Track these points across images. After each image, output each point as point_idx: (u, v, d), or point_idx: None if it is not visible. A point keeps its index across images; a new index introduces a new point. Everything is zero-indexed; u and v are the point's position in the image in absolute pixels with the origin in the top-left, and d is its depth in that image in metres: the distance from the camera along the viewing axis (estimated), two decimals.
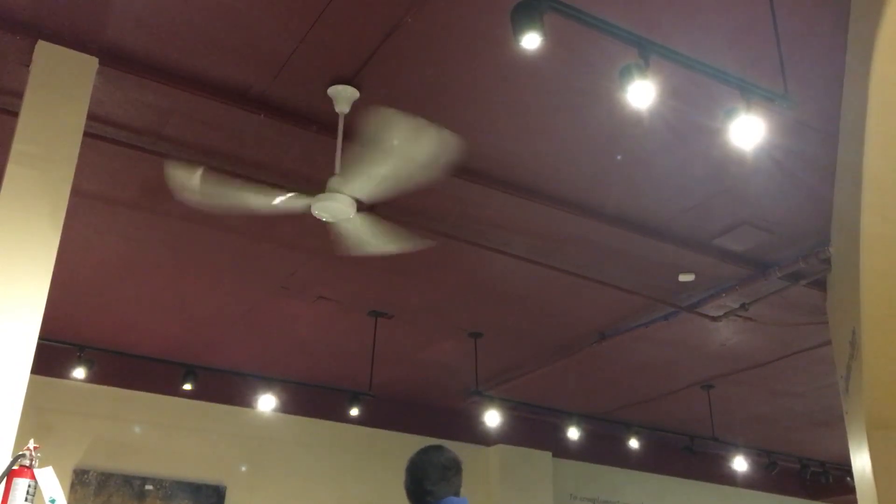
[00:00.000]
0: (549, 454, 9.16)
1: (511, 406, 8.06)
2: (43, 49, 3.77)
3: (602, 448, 9.30)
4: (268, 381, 7.61)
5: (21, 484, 2.26)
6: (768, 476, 9.79)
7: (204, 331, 7.05)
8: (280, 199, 3.98)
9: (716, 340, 6.88)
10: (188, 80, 4.08)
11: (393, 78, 4.09)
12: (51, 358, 6.63)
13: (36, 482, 2.28)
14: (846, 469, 8.90)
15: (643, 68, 3.32)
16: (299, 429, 8.11)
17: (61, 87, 3.78)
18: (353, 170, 3.96)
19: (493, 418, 7.63)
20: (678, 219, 5.19)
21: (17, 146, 3.61)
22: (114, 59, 3.93)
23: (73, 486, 6.93)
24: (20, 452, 2.31)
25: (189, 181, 4.08)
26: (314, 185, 4.03)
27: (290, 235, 5.41)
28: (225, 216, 5.22)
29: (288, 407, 7.85)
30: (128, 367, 7.42)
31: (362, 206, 4.07)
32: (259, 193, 4.04)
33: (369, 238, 4.36)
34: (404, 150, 3.96)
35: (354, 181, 3.94)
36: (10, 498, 2.25)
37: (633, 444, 8.83)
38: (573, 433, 8.40)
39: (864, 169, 3.37)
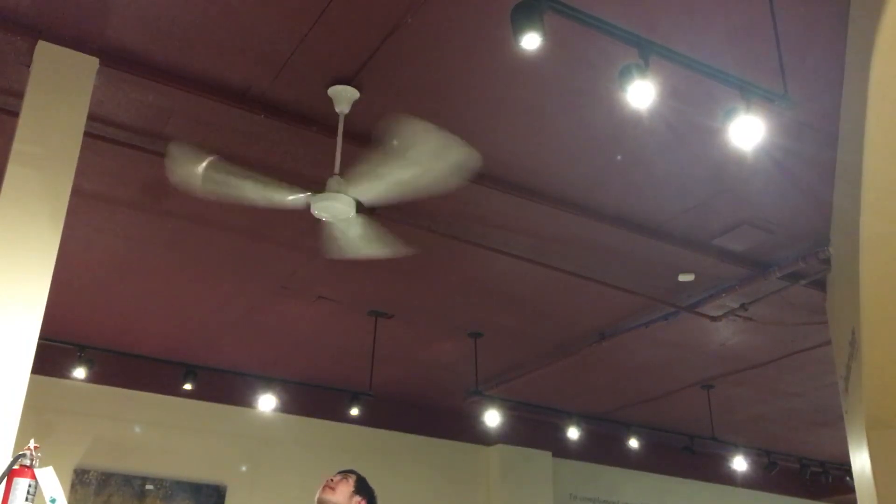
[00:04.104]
0: (549, 454, 9.16)
1: (511, 406, 8.06)
2: (43, 49, 3.78)
3: (602, 448, 9.30)
4: (268, 381, 7.61)
5: (21, 483, 2.26)
6: (768, 476, 9.79)
7: (204, 331, 7.05)
8: (290, 198, 3.93)
9: (716, 340, 6.88)
10: (188, 80, 4.09)
11: (393, 78, 4.09)
12: (51, 358, 6.63)
13: (36, 482, 2.28)
14: (846, 469, 8.92)
15: (643, 68, 3.32)
16: (299, 429, 8.11)
17: (62, 88, 3.78)
18: (358, 171, 3.94)
19: (493, 418, 7.63)
20: (678, 219, 5.19)
21: (18, 146, 3.61)
22: (114, 59, 3.93)
23: (73, 485, 6.93)
24: (21, 452, 2.31)
25: (193, 171, 3.96)
26: (314, 185, 4.03)
27: (290, 235, 5.41)
28: (225, 216, 5.24)
29: (288, 407, 7.85)
30: (128, 367, 7.42)
31: (361, 209, 4.05)
32: (264, 188, 3.97)
33: (361, 242, 4.33)
34: (421, 160, 3.90)
35: (360, 183, 3.92)
36: (10, 497, 2.25)
37: (633, 444, 8.84)
38: (573, 433, 8.40)
39: (864, 169, 3.37)
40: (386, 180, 3.93)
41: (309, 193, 3.91)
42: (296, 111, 4.31)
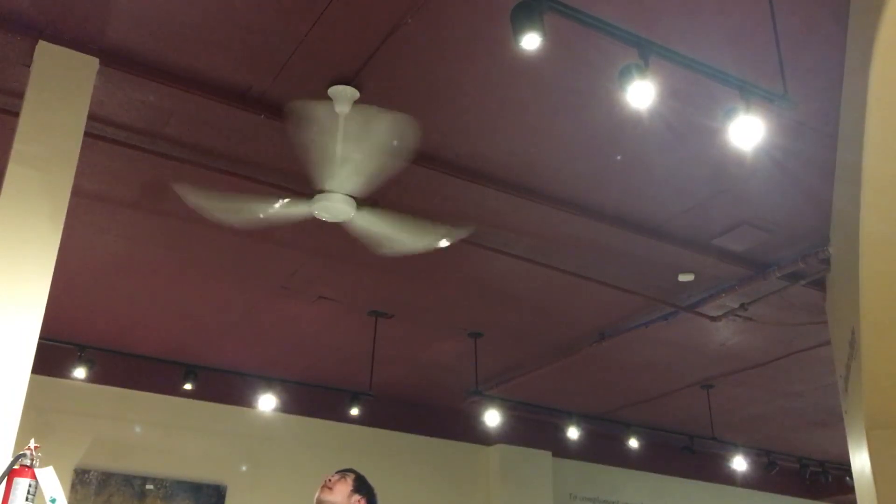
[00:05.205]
0: (549, 454, 9.16)
1: (511, 406, 8.06)
2: (44, 49, 3.78)
3: (602, 448, 9.31)
4: (268, 381, 7.61)
5: (22, 483, 2.26)
6: (768, 476, 9.79)
7: (204, 331, 7.05)
8: (280, 204, 4.01)
9: (715, 340, 6.88)
10: (188, 80, 4.09)
11: (393, 78, 4.09)
12: (51, 358, 6.63)
13: (37, 482, 2.28)
14: (845, 468, 8.90)
15: (643, 68, 3.32)
16: (299, 429, 8.11)
17: (62, 88, 3.78)
18: (338, 166, 3.98)
19: (493, 418, 7.64)
20: (678, 219, 5.19)
21: (18, 146, 3.61)
22: (114, 59, 3.93)
23: (73, 485, 6.93)
24: (21, 452, 2.32)
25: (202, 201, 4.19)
26: (314, 185, 4.04)
27: (290, 235, 5.41)
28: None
29: (288, 407, 7.86)
30: (128, 367, 7.42)
31: (363, 204, 4.06)
32: (259, 201, 4.08)
33: (386, 235, 4.34)
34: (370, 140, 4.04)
35: (341, 176, 3.96)
36: (10, 497, 2.25)
37: (633, 443, 8.84)
38: (573, 433, 8.41)
39: (864, 169, 3.38)
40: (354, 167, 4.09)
41: (306, 200, 3.96)
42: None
